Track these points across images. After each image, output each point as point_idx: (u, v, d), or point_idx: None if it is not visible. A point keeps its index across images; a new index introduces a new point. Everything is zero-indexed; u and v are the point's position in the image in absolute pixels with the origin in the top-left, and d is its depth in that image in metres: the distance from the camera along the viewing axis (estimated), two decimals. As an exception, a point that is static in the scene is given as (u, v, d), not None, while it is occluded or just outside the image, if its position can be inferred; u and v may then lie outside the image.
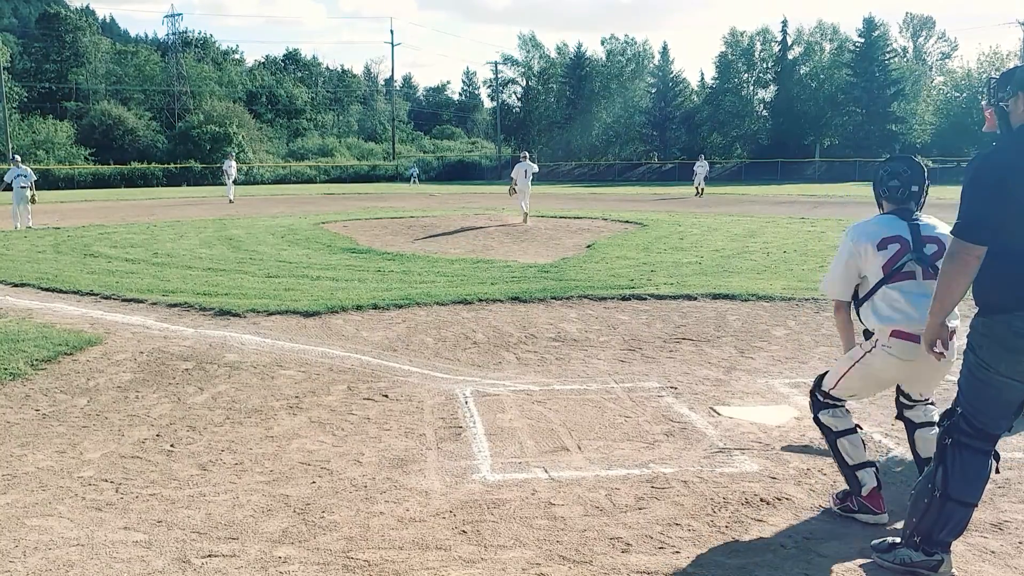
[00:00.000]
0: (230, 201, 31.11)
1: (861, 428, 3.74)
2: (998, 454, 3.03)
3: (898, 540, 3.11)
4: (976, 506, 3.01)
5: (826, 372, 3.79)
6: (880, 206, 3.79)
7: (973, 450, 2.94)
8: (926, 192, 3.70)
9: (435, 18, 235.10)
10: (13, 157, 20.04)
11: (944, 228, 3.53)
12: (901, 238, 3.51)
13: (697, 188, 35.46)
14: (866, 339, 3.60)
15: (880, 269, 3.50)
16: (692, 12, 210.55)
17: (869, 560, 3.14)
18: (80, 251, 13.93)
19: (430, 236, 16.71)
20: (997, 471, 3.05)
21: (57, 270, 11.39)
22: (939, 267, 3.28)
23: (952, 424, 2.97)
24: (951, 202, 3.07)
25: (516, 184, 19.99)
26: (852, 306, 3.73)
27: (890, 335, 3.43)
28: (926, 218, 3.64)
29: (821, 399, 3.71)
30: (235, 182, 33.87)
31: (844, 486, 3.64)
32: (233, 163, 34.01)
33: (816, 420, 3.73)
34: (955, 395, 3.05)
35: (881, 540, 3.19)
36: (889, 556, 3.08)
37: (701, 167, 36.10)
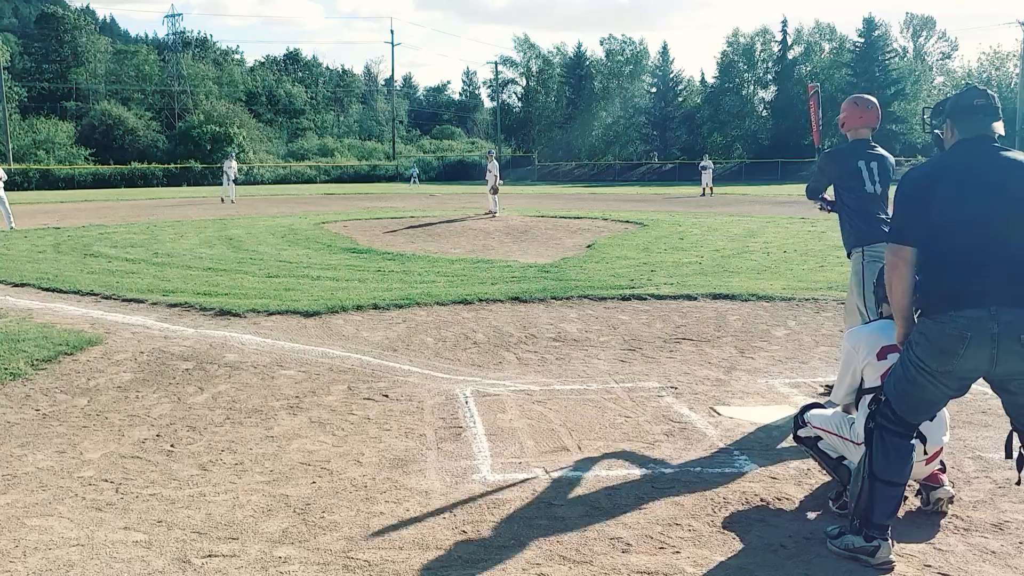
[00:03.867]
0: (225, 201, 30.79)
1: None
2: (924, 436, 3.28)
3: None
4: (903, 486, 3.19)
5: (815, 405, 3.93)
6: (876, 305, 3.81)
7: (894, 433, 3.15)
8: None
9: (432, 18, 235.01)
10: None
11: None
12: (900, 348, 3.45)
13: (704, 188, 35.54)
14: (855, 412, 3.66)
15: (878, 378, 3.50)
16: (692, 12, 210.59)
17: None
18: (80, 251, 13.92)
19: (430, 236, 16.71)
20: (926, 453, 3.32)
21: (57, 270, 11.39)
22: None
23: (877, 410, 3.21)
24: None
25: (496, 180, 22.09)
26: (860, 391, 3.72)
27: None
28: None
29: (802, 423, 3.84)
30: (236, 182, 33.57)
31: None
32: (233, 163, 33.51)
33: (796, 438, 3.88)
34: (884, 383, 3.27)
35: (834, 527, 3.32)
36: (837, 542, 3.22)
37: (705, 167, 36.23)
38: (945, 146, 3.19)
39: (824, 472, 3.88)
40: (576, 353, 6.61)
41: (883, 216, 4.98)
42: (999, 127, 3.09)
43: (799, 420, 3.86)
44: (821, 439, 3.73)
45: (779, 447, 4.45)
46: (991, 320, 2.88)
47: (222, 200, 31.24)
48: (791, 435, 3.99)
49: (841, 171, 5.16)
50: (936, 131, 3.27)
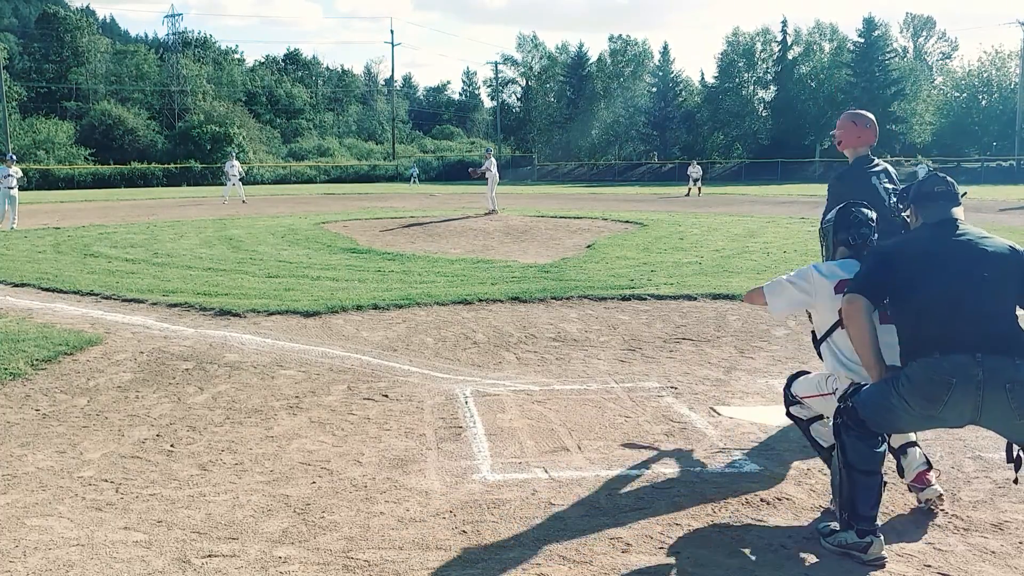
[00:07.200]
0: (226, 202, 30.75)
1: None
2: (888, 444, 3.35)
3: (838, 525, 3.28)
4: (880, 474, 3.20)
5: (800, 374, 3.88)
6: (831, 254, 3.74)
7: (859, 436, 3.21)
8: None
9: (431, 18, 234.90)
10: (10, 156, 19.92)
11: None
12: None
13: (689, 190, 37.05)
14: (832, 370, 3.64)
15: (836, 312, 3.46)
16: (692, 12, 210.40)
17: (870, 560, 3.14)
18: (80, 251, 13.92)
19: (430, 236, 16.71)
20: (890, 447, 3.35)
21: (57, 270, 11.39)
22: None
23: (845, 409, 3.26)
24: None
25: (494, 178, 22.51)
26: (816, 340, 3.72)
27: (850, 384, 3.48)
28: None
29: (792, 397, 3.81)
30: (243, 181, 33.43)
31: None
32: (236, 163, 33.29)
33: (788, 414, 3.87)
34: (859, 385, 3.32)
35: (825, 524, 3.36)
36: (831, 540, 3.24)
37: (694, 171, 37.80)
38: (911, 228, 3.46)
39: (824, 472, 3.88)
40: (576, 353, 6.61)
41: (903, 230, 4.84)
42: (959, 212, 3.31)
43: (788, 394, 3.82)
44: (813, 424, 3.73)
45: (779, 447, 4.45)
46: (976, 366, 2.93)
47: (223, 201, 31.18)
48: (785, 413, 3.92)
49: (857, 193, 4.99)
50: (903, 215, 3.56)
